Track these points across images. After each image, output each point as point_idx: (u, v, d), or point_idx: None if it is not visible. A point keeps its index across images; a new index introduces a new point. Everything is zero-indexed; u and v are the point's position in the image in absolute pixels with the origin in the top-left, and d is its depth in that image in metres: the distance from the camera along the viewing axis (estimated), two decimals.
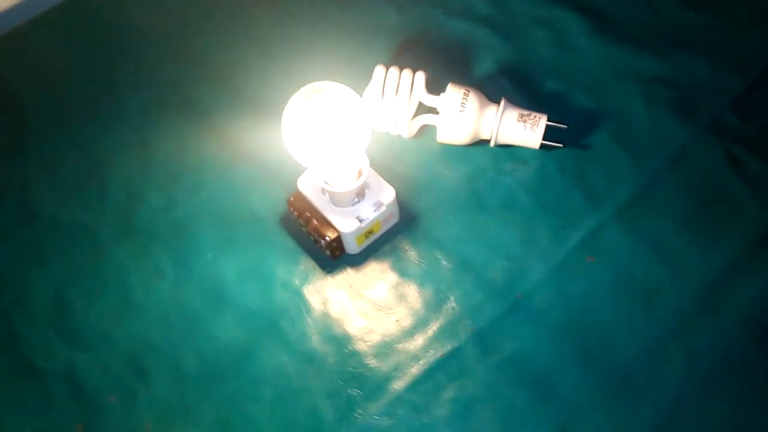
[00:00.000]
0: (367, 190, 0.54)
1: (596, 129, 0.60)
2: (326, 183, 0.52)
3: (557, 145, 0.57)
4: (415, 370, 0.50)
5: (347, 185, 0.52)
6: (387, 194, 0.54)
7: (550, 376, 0.49)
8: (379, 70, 0.58)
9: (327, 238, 0.53)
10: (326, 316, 0.53)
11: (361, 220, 0.53)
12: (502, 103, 0.57)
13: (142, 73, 0.67)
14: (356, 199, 0.54)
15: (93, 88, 0.67)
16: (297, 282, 0.54)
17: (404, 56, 0.66)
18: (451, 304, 0.53)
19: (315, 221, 0.54)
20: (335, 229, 0.53)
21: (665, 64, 0.63)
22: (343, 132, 0.48)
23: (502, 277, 0.53)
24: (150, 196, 0.60)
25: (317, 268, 0.55)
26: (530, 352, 0.50)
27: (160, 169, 0.62)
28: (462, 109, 0.56)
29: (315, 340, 0.52)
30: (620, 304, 0.51)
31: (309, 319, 0.53)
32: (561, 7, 0.67)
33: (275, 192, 0.58)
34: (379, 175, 0.55)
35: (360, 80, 0.57)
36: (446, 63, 0.65)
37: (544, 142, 0.57)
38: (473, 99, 0.57)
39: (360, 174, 0.53)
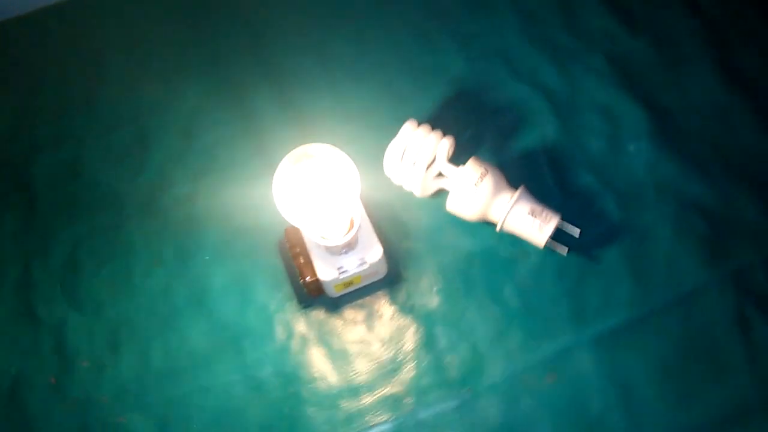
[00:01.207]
0: (357, 244, 0.56)
1: (613, 242, 0.57)
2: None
3: (562, 250, 0.56)
4: None
5: (334, 240, 0.53)
6: (373, 253, 0.55)
7: None
8: (408, 127, 0.58)
9: (307, 278, 0.55)
10: (286, 349, 0.55)
11: (341, 272, 0.55)
12: (518, 192, 0.56)
13: (206, 59, 0.71)
14: (344, 250, 0.55)
15: (167, 63, 0.71)
16: (272, 307, 0.57)
17: (453, 105, 0.65)
18: (404, 376, 0.54)
19: (302, 258, 0.56)
20: (315, 272, 0.55)
21: (714, 193, 0.58)
22: (331, 195, 0.49)
23: (460, 366, 0.53)
24: (178, 183, 0.64)
25: (295, 299, 0.57)
26: None
27: (195, 159, 0.65)
28: (476, 187, 0.56)
29: (267, 371, 0.55)
30: None
31: (269, 348, 0.55)
32: (629, 99, 0.64)
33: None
34: (380, 227, 0.56)
35: (405, 118, 0.58)
36: (491, 123, 0.64)
37: (549, 242, 0.55)
38: (489, 180, 0.56)
39: (350, 228, 0.54)
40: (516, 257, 0.57)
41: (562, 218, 0.56)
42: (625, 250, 0.57)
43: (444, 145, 0.58)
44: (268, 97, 0.68)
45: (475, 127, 0.65)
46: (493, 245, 0.58)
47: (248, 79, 0.69)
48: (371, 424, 0.51)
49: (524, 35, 0.69)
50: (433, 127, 0.59)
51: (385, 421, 0.52)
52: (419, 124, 0.59)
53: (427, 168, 0.59)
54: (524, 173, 0.61)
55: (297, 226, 0.51)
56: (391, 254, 0.58)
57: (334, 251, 0.55)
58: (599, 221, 0.58)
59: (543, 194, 0.58)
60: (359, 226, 0.55)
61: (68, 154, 0.67)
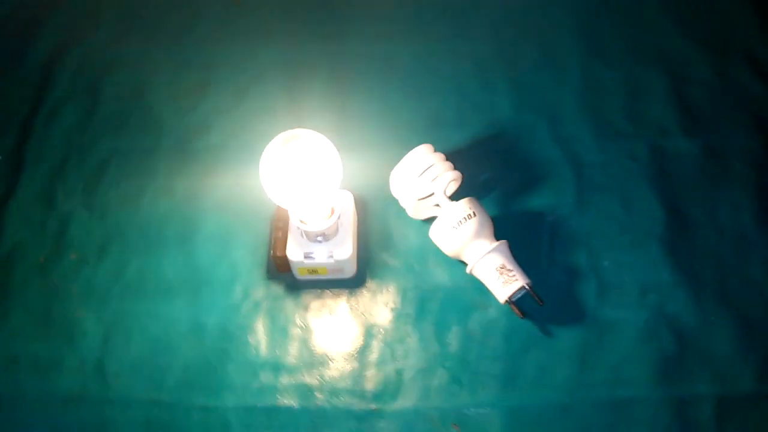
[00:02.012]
0: (333, 237, 0.58)
1: (574, 325, 0.56)
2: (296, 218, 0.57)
3: (517, 314, 0.56)
4: (250, 400, 0.54)
5: (311, 225, 0.56)
6: (343, 251, 0.58)
7: None
8: (423, 149, 0.60)
9: (276, 253, 0.58)
10: (236, 308, 0.59)
11: (308, 257, 0.58)
12: (496, 244, 0.56)
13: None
14: (319, 238, 0.58)
15: (253, 28, 0.77)
16: (242, 268, 0.61)
17: (483, 144, 0.67)
18: (326, 372, 0.56)
19: (280, 233, 0.59)
20: (285, 250, 0.58)
21: (696, 316, 0.56)
22: (312, 178, 0.52)
23: (378, 384, 0.55)
24: (218, 133, 0.70)
25: (264, 269, 0.61)
26: None
27: (239, 115, 0.70)
28: (458, 225, 0.57)
29: (212, 320, 0.58)
30: None
31: (223, 301, 0.59)
32: (655, 196, 0.63)
33: None
34: (366, 231, 0.60)
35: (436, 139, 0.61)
36: (511, 173, 0.65)
37: (508, 301, 0.56)
38: (473, 224, 0.57)
39: (329, 217, 0.56)
40: (476, 305, 0.58)
41: (531, 286, 0.56)
42: (582, 336, 0.56)
43: (447, 177, 0.59)
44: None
45: (495, 173, 0.65)
46: (461, 286, 0.59)
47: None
48: (277, 403, 0.54)
49: (580, 101, 0.69)
50: (451, 159, 0.61)
51: (290, 406, 0.54)
52: (437, 151, 0.61)
53: (428, 195, 0.60)
54: (521, 231, 0.61)
55: (278, 204, 0.54)
56: (364, 260, 0.61)
57: (310, 237, 0.58)
58: (570, 301, 0.57)
59: (530, 256, 0.58)
60: (338, 220, 0.58)
61: (140, 79, 0.74)
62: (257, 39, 0.77)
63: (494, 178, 0.65)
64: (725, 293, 0.57)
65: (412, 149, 0.59)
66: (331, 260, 0.57)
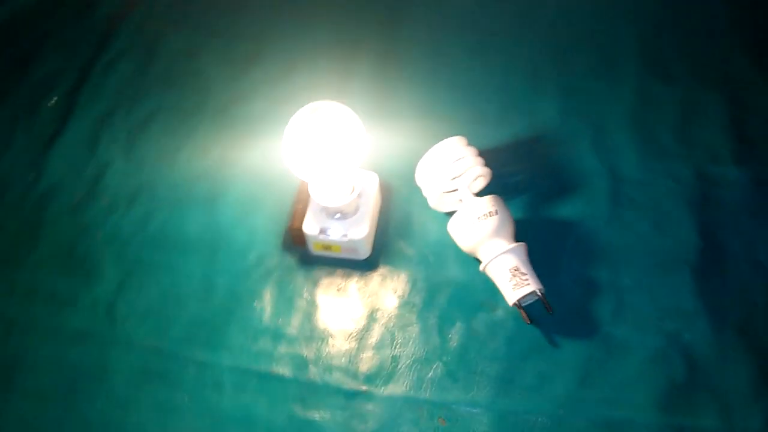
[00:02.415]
0: (351, 216, 0.58)
1: (582, 339, 0.54)
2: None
3: (525, 319, 0.54)
4: (245, 362, 0.55)
5: (330, 201, 0.57)
6: (358, 232, 0.58)
7: None
8: (456, 140, 0.59)
9: (294, 225, 0.59)
10: (247, 273, 0.60)
11: (323, 233, 0.58)
12: (513, 246, 0.55)
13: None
14: (337, 215, 0.58)
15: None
16: (260, 235, 0.62)
17: (523, 145, 0.66)
18: (324, 348, 0.56)
19: (300, 207, 0.60)
20: (302, 223, 0.59)
21: (712, 347, 0.53)
22: (334, 148, 0.52)
23: (373, 367, 0.54)
24: (258, 102, 0.71)
25: (282, 239, 0.61)
26: None
27: (286, 89, 0.71)
28: (477, 221, 0.56)
29: (222, 281, 0.59)
30: None
31: (236, 264, 0.60)
32: (690, 222, 0.60)
33: None
34: (387, 217, 0.60)
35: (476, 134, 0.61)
36: (546, 179, 0.64)
37: (517, 305, 0.54)
38: (493, 222, 0.56)
39: (350, 192, 0.57)
40: (485, 304, 0.57)
41: (543, 293, 0.54)
42: (589, 351, 0.54)
43: (474, 172, 0.58)
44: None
45: (528, 175, 0.64)
46: (472, 284, 0.58)
47: None
48: (271, 370, 0.54)
49: (630, 114, 0.67)
50: (485, 156, 0.60)
51: (283, 375, 0.54)
52: (471, 145, 0.60)
53: (452, 189, 0.59)
54: (544, 236, 0.59)
55: (298, 176, 0.55)
56: (381, 244, 0.60)
57: (329, 213, 0.58)
58: (583, 314, 0.55)
59: (549, 264, 0.57)
60: (358, 199, 0.58)
61: (195, 43, 0.77)
62: (312, 17, 0.77)
63: (527, 180, 0.64)
64: (748, 330, 0.54)
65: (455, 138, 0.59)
66: (346, 239, 0.57)
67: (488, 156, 0.62)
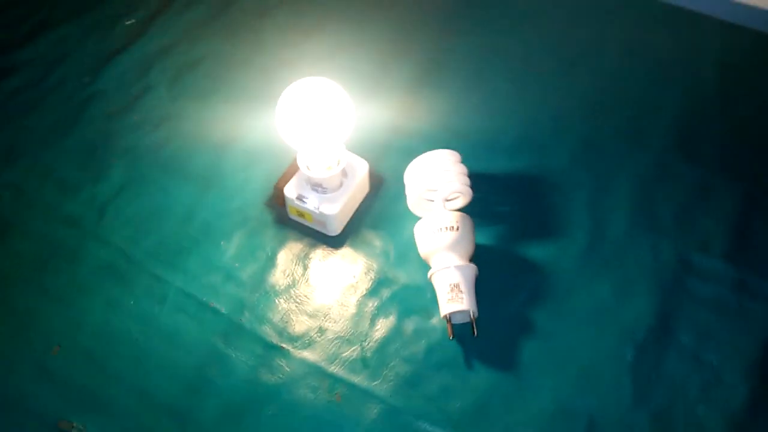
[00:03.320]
0: (332, 193, 0.62)
1: (496, 374, 0.56)
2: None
3: (449, 333, 0.56)
4: (192, 289, 0.60)
5: (313, 171, 0.60)
6: (329, 208, 0.61)
7: None
8: (444, 153, 0.62)
9: (278, 185, 0.64)
10: (228, 215, 0.65)
11: (300, 199, 0.62)
12: (462, 264, 0.57)
13: None
14: (317, 188, 0.62)
15: None
16: (251, 186, 0.67)
17: (522, 182, 0.67)
18: (257, 298, 0.60)
19: (292, 171, 0.64)
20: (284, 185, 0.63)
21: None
22: (325, 121, 0.56)
23: (299, 331, 0.58)
24: (298, 69, 0.76)
25: (266, 196, 0.66)
26: None
27: (327, 72, 0.76)
28: (436, 232, 0.58)
29: (204, 215, 0.65)
30: None
31: (223, 205, 0.65)
32: (647, 306, 0.59)
33: None
34: (366, 206, 0.64)
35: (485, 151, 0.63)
36: (530, 221, 0.64)
37: (446, 318, 0.56)
38: (450, 236, 0.58)
39: (332, 168, 0.60)
40: (422, 310, 0.59)
41: (476, 317, 0.56)
42: (498, 383, 0.55)
43: (452, 187, 0.60)
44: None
45: (515, 208, 0.65)
46: (419, 288, 0.60)
47: None
48: (210, 303, 0.59)
49: (639, 182, 0.67)
50: (481, 179, 0.63)
51: (219, 310, 0.59)
52: (465, 163, 0.62)
53: (429, 199, 0.62)
54: (503, 269, 0.61)
55: (288, 143, 0.59)
56: (352, 228, 0.64)
57: (313, 184, 0.62)
58: (507, 350, 0.57)
59: (496, 296, 0.59)
60: (342, 179, 0.61)
61: (268, 6, 0.83)
62: (378, 7, 0.82)
63: (512, 213, 0.65)
64: (662, 418, 0.53)
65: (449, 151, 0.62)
66: (317, 211, 0.61)
67: (485, 179, 0.64)
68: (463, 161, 0.63)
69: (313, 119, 0.56)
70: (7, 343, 0.57)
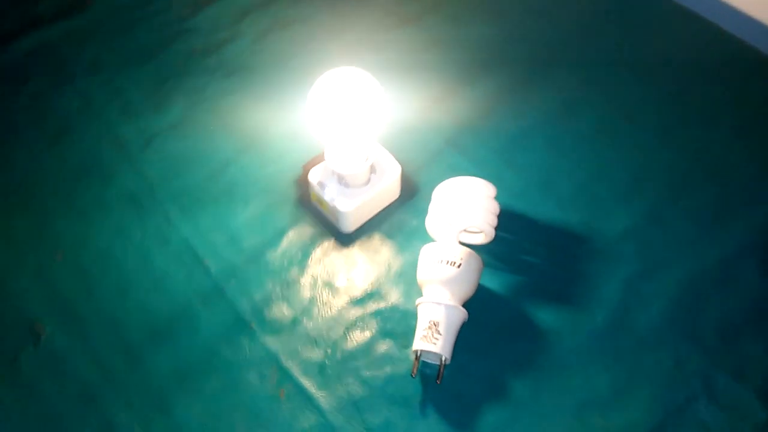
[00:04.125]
0: (348, 189, 0.60)
1: (447, 428, 0.52)
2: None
3: (413, 370, 0.53)
4: (191, 234, 0.61)
5: (338, 165, 0.59)
6: (343, 204, 0.59)
7: None
8: (481, 184, 0.57)
9: (306, 164, 0.63)
10: (265, 178, 0.65)
11: (320, 186, 0.61)
12: (452, 305, 0.53)
13: None
14: (339, 181, 0.60)
15: None
16: (291, 157, 0.66)
17: (562, 241, 0.61)
18: (248, 264, 0.59)
19: (324, 154, 0.63)
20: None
21: None
22: (356, 114, 0.54)
23: (272, 310, 0.57)
24: (339, 55, 0.74)
25: (300, 172, 0.65)
26: None
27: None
28: (437, 262, 0.55)
29: (234, 169, 0.65)
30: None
31: (258, 171, 0.65)
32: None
33: None
34: (387, 212, 0.62)
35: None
36: (553, 285, 0.59)
37: (415, 354, 0.53)
38: (450, 272, 0.54)
39: (358, 166, 0.58)
40: (400, 336, 0.56)
41: (446, 363, 0.53)
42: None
43: (471, 221, 0.56)
44: None
45: (544, 265, 0.59)
46: (407, 313, 0.57)
47: None
48: (205, 261, 0.60)
49: (697, 280, 0.59)
50: (528, 222, 0.60)
51: (210, 270, 0.59)
52: (495, 199, 0.58)
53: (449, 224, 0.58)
54: (502, 323, 0.56)
55: (316, 132, 0.57)
56: (367, 230, 0.62)
57: (337, 173, 0.61)
58: (467, 408, 0.53)
59: (480, 349, 0.55)
60: (371, 177, 0.59)
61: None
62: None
63: (536, 267, 0.60)
64: None
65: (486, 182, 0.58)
66: (332, 203, 0.59)
67: (523, 222, 0.60)
68: (512, 197, 0.59)
69: (339, 111, 0.54)
70: (20, 236, 0.62)
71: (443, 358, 0.52)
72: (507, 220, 0.61)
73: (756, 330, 0.56)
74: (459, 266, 0.54)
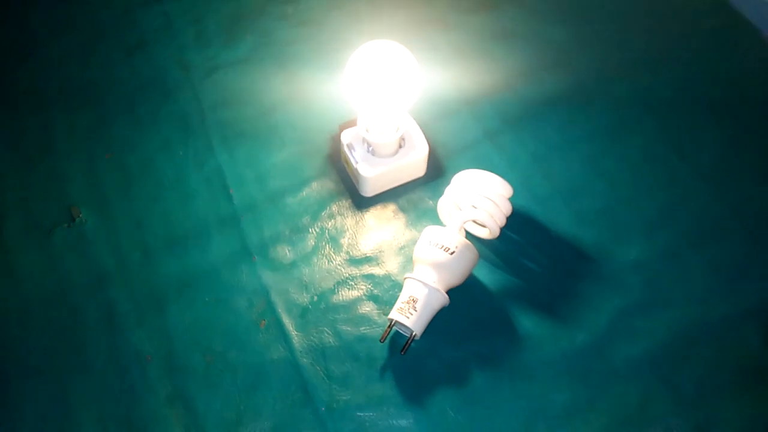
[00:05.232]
0: (377, 158, 0.63)
1: (392, 403, 0.55)
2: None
3: (383, 334, 0.56)
4: (230, 173, 0.66)
5: (369, 133, 0.61)
6: (364, 169, 0.62)
7: None
8: (498, 182, 0.58)
9: (342, 125, 0.66)
10: (293, 130, 0.69)
11: (349, 147, 0.63)
12: (435, 288, 0.55)
13: None
14: (368, 147, 0.63)
15: None
16: (328, 117, 0.69)
17: (577, 263, 0.62)
18: (265, 211, 0.64)
19: (361, 116, 0.65)
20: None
21: None
22: (387, 86, 0.56)
23: (276, 256, 0.61)
24: (356, 36, 0.75)
25: (334, 133, 0.68)
26: None
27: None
28: (434, 245, 0.57)
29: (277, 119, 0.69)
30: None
31: (293, 133, 0.69)
32: None
33: None
34: (404, 193, 0.64)
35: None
36: (557, 300, 0.59)
37: (390, 321, 0.56)
38: (441, 257, 0.56)
39: (386, 136, 0.61)
40: (384, 303, 0.59)
41: (414, 338, 0.55)
42: (388, 410, 0.54)
43: (481, 216, 0.57)
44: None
45: (547, 275, 0.60)
46: (399, 284, 0.60)
47: None
48: (227, 184, 0.65)
49: (703, 329, 0.58)
50: (529, 223, 0.61)
51: (230, 195, 0.64)
52: (510, 198, 0.59)
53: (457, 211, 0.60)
54: (483, 323, 0.58)
55: (350, 99, 0.59)
56: (386, 199, 0.64)
57: (368, 141, 0.63)
58: (427, 384, 0.55)
59: (455, 339, 0.56)
60: (398, 148, 0.62)
61: None
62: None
63: (535, 275, 0.60)
64: None
65: (506, 181, 0.59)
66: (355, 165, 0.62)
67: (536, 230, 0.61)
68: (533, 200, 0.60)
69: (372, 81, 0.56)
70: (80, 130, 0.69)
71: (413, 333, 0.55)
72: (520, 221, 0.62)
73: (738, 394, 0.55)
74: (452, 253, 0.56)
